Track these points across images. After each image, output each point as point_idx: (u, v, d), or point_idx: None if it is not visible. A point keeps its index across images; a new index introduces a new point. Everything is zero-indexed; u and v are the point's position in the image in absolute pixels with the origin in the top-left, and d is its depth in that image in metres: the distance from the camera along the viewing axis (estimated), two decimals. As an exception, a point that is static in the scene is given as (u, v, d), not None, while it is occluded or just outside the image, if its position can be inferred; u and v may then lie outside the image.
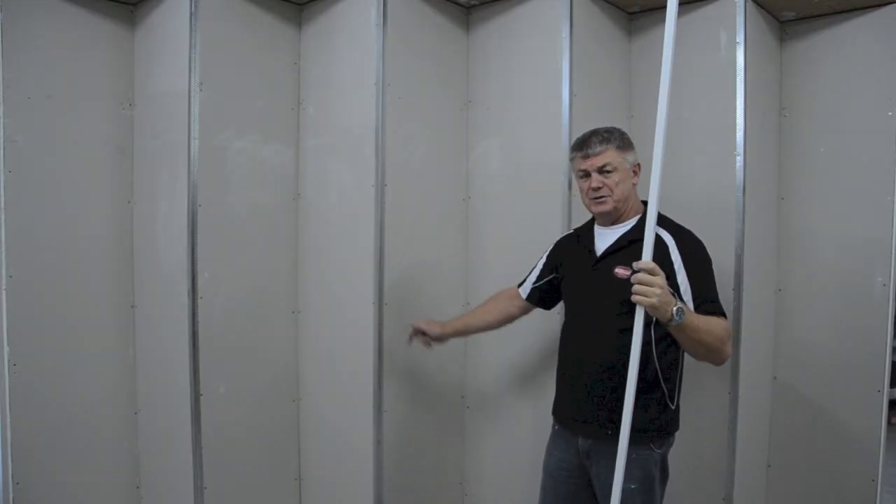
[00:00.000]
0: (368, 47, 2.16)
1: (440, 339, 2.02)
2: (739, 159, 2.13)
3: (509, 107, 2.33)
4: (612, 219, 1.76)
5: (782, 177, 2.38)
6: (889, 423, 2.30)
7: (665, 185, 2.18)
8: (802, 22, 2.33)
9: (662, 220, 1.70)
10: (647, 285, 1.43)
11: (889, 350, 2.20)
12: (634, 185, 1.74)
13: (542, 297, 1.95)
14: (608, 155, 1.70)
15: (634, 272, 1.47)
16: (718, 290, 1.69)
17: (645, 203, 1.74)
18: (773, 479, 2.44)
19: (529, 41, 2.27)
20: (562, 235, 1.98)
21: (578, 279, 1.81)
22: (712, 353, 1.58)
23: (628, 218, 1.74)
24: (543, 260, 1.96)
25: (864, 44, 2.21)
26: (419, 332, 2.02)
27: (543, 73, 2.22)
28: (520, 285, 2.01)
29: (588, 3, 2.25)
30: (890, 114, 2.16)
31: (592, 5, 2.28)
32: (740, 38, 2.13)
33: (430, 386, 2.39)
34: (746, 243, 2.14)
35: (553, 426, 1.89)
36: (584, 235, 1.85)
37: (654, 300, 1.42)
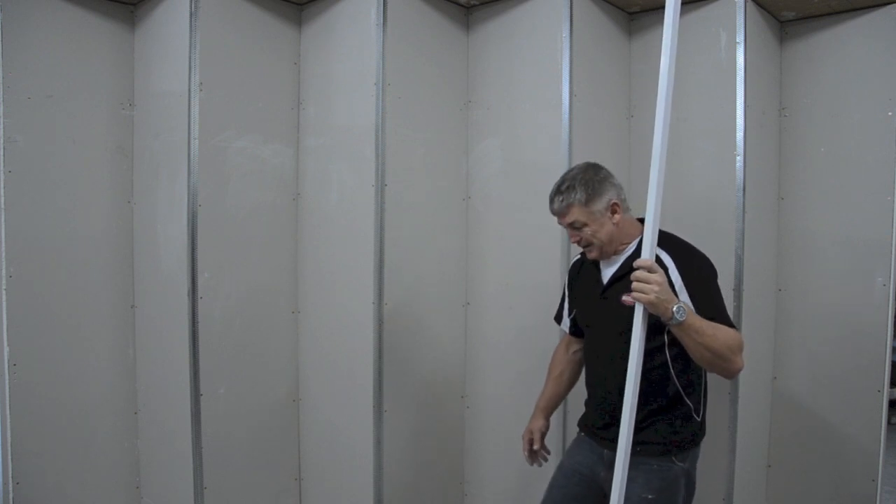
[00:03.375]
0: (368, 47, 2.16)
1: (546, 429, 1.95)
2: (739, 159, 2.13)
3: (509, 107, 2.33)
4: (609, 254, 1.74)
5: (782, 177, 2.38)
6: (889, 423, 2.30)
7: (665, 185, 2.19)
8: (802, 22, 2.33)
9: (662, 239, 1.66)
10: (644, 282, 1.43)
11: (889, 350, 2.20)
12: (616, 224, 1.69)
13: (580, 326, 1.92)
14: (572, 213, 1.68)
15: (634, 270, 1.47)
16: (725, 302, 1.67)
17: (641, 220, 1.72)
18: (773, 479, 2.44)
19: (529, 41, 2.27)
20: (573, 259, 1.96)
21: (590, 307, 1.81)
22: (720, 362, 1.54)
23: (628, 243, 1.72)
24: (566, 291, 1.95)
25: (864, 44, 2.21)
26: (532, 447, 1.93)
27: (543, 73, 2.22)
28: (558, 321, 1.98)
29: (588, 3, 2.25)
30: (890, 114, 2.16)
31: (592, 5, 2.28)
32: (740, 38, 2.13)
33: (430, 386, 2.39)
34: (746, 243, 2.14)
35: (579, 433, 1.89)
36: (587, 263, 1.82)
37: (651, 297, 1.41)
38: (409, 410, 2.32)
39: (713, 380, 2.17)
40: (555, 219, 1.74)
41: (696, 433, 1.73)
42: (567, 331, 1.96)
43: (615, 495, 1.47)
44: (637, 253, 1.66)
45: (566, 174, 1.74)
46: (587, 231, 1.68)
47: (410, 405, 2.33)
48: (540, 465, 1.96)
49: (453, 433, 2.48)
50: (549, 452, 1.96)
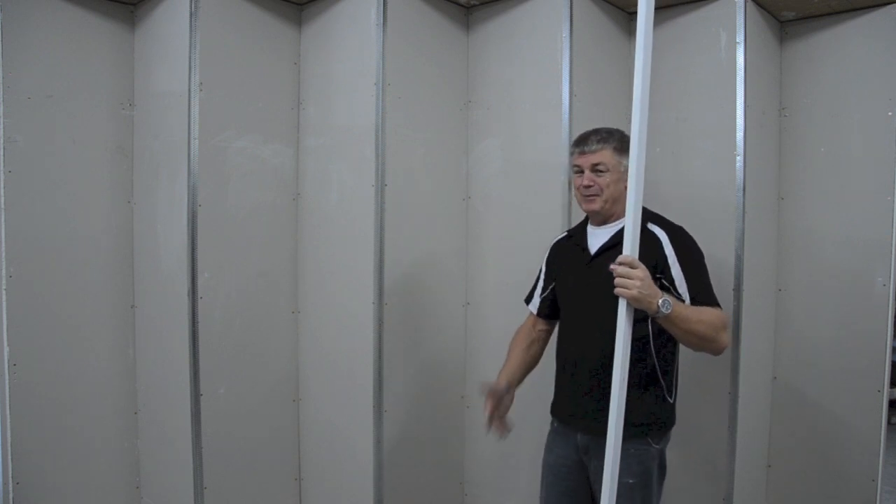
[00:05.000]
0: (368, 47, 2.16)
1: (509, 392, 1.84)
2: (739, 159, 2.13)
3: (509, 107, 2.33)
4: (602, 218, 1.78)
5: (782, 177, 2.38)
6: (889, 423, 2.30)
7: (665, 184, 2.18)
8: (802, 22, 2.33)
9: (654, 217, 1.74)
10: (627, 278, 1.43)
11: (889, 350, 2.20)
12: (626, 188, 1.72)
13: (552, 307, 1.93)
14: (603, 154, 1.73)
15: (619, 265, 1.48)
16: (715, 287, 1.70)
17: None
18: (773, 479, 2.44)
19: (529, 41, 2.27)
20: (555, 239, 1.97)
21: (573, 278, 1.82)
22: (706, 343, 1.59)
23: (620, 217, 1.73)
24: (543, 269, 1.95)
25: (864, 44, 2.21)
26: (493, 413, 1.81)
27: (543, 73, 2.22)
28: (528, 302, 1.98)
29: (588, 3, 2.25)
30: (890, 114, 2.16)
31: (592, 5, 2.28)
32: (740, 38, 2.13)
33: (430, 386, 2.39)
34: (746, 243, 2.14)
35: (552, 424, 1.89)
36: (577, 235, 1.86)
37: (634, 292, 1.42)
38: (409, 410, 2.32)
39: (714, 379, 2.17)
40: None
41: (669, 417, 1.75)
42: (535, 311, 1.96)
43: (606, 482, 1.45)
44: None
45: (599, 127, 1.77)
46: (606, 178, 1.72)
47: (410, 405, 2.33)
48: (503, 437, 1.85)
49: (453, 433, 2.48)
50: (510, 429, 1.85)
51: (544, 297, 1.93)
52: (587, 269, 1.76)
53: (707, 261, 1.73)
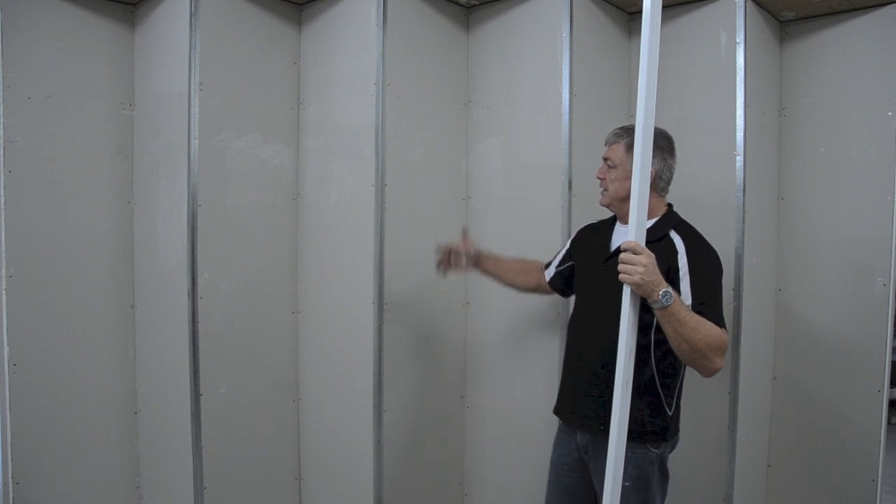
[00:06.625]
0: (368, 47, 2.16)
1: (476, 261, 2.05)
2: (739, 159, 2.13)
3: (509, 107, 2.33)
4: (619, 215, 1.79)
5: (782, 177, 2.38)
6: (889, 423, 2.30)
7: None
8: (802, 22, 2.33)
9: (680, 225, 1.71)
10: (629, 263, 1.43)
11: (889, 350, 2.20)
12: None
13: (564, 283, 1.96)
14: (614, 150, 1.74)
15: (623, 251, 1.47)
16: (724, 304, 1.66)
17: (669, 206, 1.76)
18: (773, 479, 2.44)
19: (529, 41, 2.27)
20: (585, 224, 1.99)
21: (589, 273, 1.83)
22: (698, 357, 1.54)
23: (647, 218, 1.72)
24: (567, 246, 1.98)
25: (864, 44, 2.21)
26: (450, 257, 2.03)
27: (543, 73, 2.22)
28: (546, 266, 2.03)
29: (588, 3, 2.25)
30: (890, 114, 2.16)
31: (592, 5, 2.28)
32: (740, 38, 2.13)
33: (430, 386, 2.39)
34: (746, 243, 2.15)
35: (558, 424, 1.90)
36: (602, 229, 1.86)
37: (636, 278, 1.41)
38: (409, 410, 2.32)
39: (714, 380, 2.17)
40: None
41: (666, 429, 1.71)
42: (547, 279, 2.00)
43: (608, 485, 1.45)
44: (650, 231, 1.66)
45: (628, 123, 1.80)
46: (612, 174, 1.75)
47: (410, 405, 2.33)
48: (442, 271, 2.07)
49: (453, 433, 2.48)
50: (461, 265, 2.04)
51: (560, 271, 1.96)
52: (603, 266, 1.75)
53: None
